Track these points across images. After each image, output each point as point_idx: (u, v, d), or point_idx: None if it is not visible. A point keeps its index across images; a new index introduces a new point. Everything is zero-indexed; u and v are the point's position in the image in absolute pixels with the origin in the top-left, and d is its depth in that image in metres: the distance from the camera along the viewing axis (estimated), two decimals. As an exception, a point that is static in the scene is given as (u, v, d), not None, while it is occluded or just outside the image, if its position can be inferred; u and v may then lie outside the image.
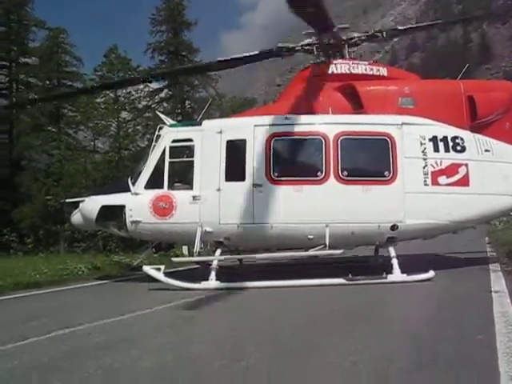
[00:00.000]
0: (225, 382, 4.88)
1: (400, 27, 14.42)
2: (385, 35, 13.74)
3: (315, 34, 13.08)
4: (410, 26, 14.11)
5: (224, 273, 12.25)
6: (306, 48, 13.67)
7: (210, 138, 12.47)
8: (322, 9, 10.82)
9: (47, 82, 35.39)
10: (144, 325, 7.99)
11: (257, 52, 14.10)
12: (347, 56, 13.67)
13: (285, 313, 8.71)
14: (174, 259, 13.44)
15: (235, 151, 12.36)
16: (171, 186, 12.55)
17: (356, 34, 13.93)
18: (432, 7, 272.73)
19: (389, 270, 11.62)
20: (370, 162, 12.52)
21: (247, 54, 14.22)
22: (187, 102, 37.07)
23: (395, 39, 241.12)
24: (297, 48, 13.68)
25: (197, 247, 12.05)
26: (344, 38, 13.50)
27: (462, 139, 12.41)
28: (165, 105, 37.27)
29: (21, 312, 9.85)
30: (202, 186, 12.26)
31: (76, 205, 14.08)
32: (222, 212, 12.03)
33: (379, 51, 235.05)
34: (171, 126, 13.33)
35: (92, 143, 37.79)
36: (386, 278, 11.48)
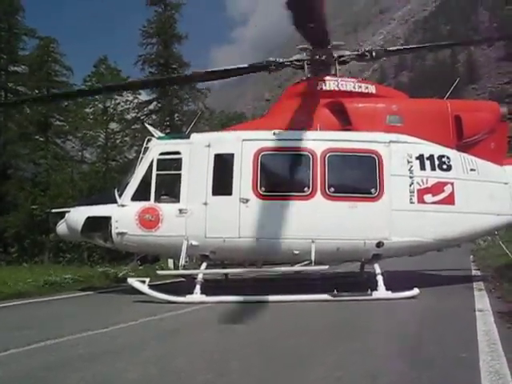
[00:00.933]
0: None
1: (389, 48, 14.57)
2: (374, 55, 13.85)
3: (309, 49, 13.18)
4: (398, 47, 14.28)
5: (209, 286, 12.21)
6: (296, 63, 13.76)
7: (197, 152, 12.47)
8: (324, 25, 10.95)
9: (36, 91, 35.23)
10: (128, 337, 7.93)
11: (246, 65, 14.18)
12: (336, 73, 13.76)
13: (269, 327, 8.70)
14: (160, 272, 13.40)
15: (223, 165, 12.36)
16: (158, 199, 12.51)
17: (347, 52, 14.03)
18: (421, 27, 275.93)
19: (374, 286, 11.64)
20: (357, 178, 12.58)
21: (236, 67, 14.30)
22: (176, 115, 37.09)
23: (383, 58, 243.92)
24: (286, 63, 13.76)
25: (182, 260, 12.00)
26: (335, 55, 13.60)
27: (448, 158, 12.52)
28: (153, 117, 37.26)
29: (2, 322, 9.74)
30: (189, 199, 12.24)
31: (62, 215, 14.01)
32: (209, 226, 12.00)
33: (367, 70, 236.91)
34: (159, 138, 13.32)
35: (80, 153, 37.64)
36: (370, 294, 11.49)
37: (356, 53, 14.04)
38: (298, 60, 13.77)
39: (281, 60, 13.75)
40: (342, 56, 13.87)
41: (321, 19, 10.49)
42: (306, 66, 13.70)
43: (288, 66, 13.99)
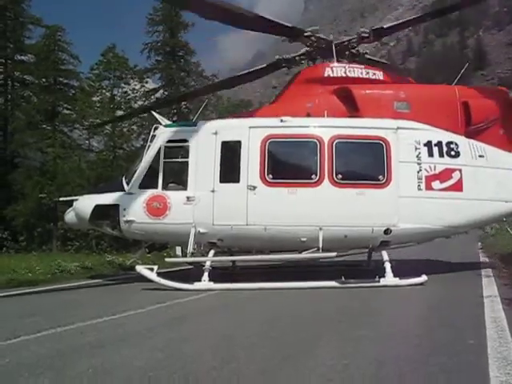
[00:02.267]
0: (216, 383, 4.88)
1: (385, 26, 14.43)
2: (371, 35, 13.81)
3: (289, 41, 14.00)
4: (395, 23, 14.20)
5: (217, 274, 12.25)
6: (303, 57, 14.00)
7: (205, 139, 12.47)
8: (274, 22, 11.23)
9: (43, 80, 35.24)
10: (136, 324, 7.96)
11: (261, 66, 14.55)
12: (335, 59, 13.79)
13: (277, 315, 8.71)
14: (167, 259, 13.43)
15: (230, 152, 12.36)
16: (165, 187, 12.55)
17: (345, 38, 14.16)
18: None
19: (381, 273, 11.64)
20: (365, 165, 12.55)
21: (255, 69, 14.73)
22: (183, 103, 37.02)
23: (391, 43, 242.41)
24: (296, 58, 14.08)
25: (190, 248, 12.04)
26: (334, 42, 13.78)
27: (456, 144, 12.46)
28: (160, 104, 37.18)
29: (13, 310, 9.82)
30: (197, 187, 12.26)
31: (70, 203, 14.07)
32: (216, 213, 12.02)
33: (375, 56, 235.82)
34: (166, 126, 13.32)
35: (87, 142, 37.69)
36: (378, 281, 11.50)
37: (353, 36, 14.06)
38: (303, 54, 13.96)
39: (289, 56, 14.09)
40: (342, 42, 14.00)
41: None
42: (312, 57, 13.92)
43: (297, 60, 14.22)
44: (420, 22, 14.94)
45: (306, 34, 13.62)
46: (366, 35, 13.80)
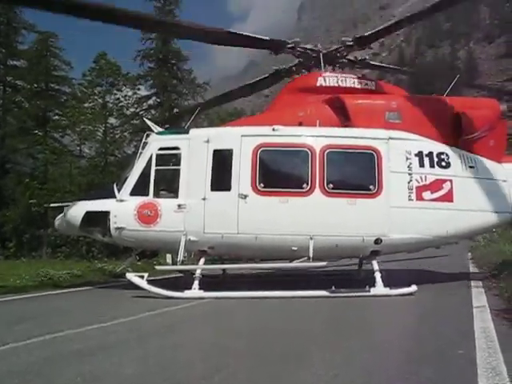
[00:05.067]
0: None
1: (373, 30, 14.47)
2: (354, 43, 13.88)
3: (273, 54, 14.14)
4: (384, 25, 14.18)
5: (207, 282, 12.22)
6: (301, 67, 14.12)
7: (196, 147, 12.47)
8: (249, 38, 11.41)
9: (35, 85, 35.17)
10: (126, 332, 7.93)
11: (263, 77, 14.75)
12: (322, 69, 13.88)
13: (267, 324, 8.70)
14: (158, 267, 13.40)
15: (222, 161, 12.36)
16: (157, 194, 12.52)
17: (334, 46, 14.27)
18: (421, 23, 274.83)
19: (372, 283, 11.66)
20: (356, 175, 12.58)
21: (257, 80, 14.87)
22: (175, 110, 37.00)
23: (383, 54, 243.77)
24: (293, 69, 14.21)
25: (180, 256, 12.02)
26: (323, 51, 13.88)
27: (447, 155, 12.53)
28: (153, 112, 37.19)
29: (1, 317, 9.75)
30: (188, 195, 12.24)
31: (60, 209, 14.01)
32: (207, 221, 12.01)
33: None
34: (158, 133, 13.30)
35: (78, 148, 37.58)
36: (368, 291, 11.51)
37: (340, 46, 14.15)
38: (296, 64, 14.09)
39: (287, 67, 14.24)
40: (332, 51, 14.10)
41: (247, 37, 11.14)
42: (309, 67, 14.04)
43: (296, 70, 14.31)
44: (398, 27, 14.91)
45: (288, 45, 13.71)
46: (351, 43, 13.89)
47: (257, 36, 13.54)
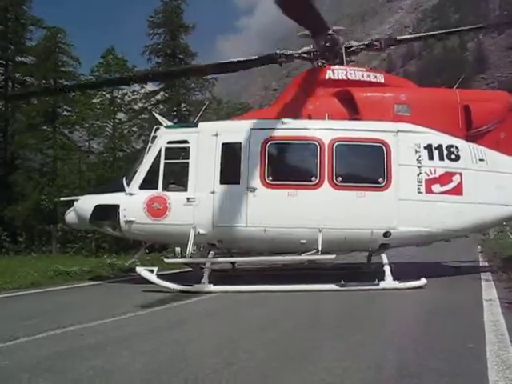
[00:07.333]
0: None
1: (398, 37, 14.48)
2: (382, 44, 13.83)
3: (311, 35, 13.15)
4: (408, 36, 14.17)
5: (216, 275, 12.24)
6: (305, 56, 13.80)
7: (205, 140, 12.47)
8: (313, 10, 10.91)
9: (43, 82, 35.19)
10: (136, 326, 7.97)
11: (256, 57, 14.17)
12: (344, 62, 13.73)
13: (277, 317, 8.72)
14: (167, 260, 13.42)
15: (230, 154, 12.36)
16: (166, 187, 12.53)
17: (354, 43, 14.07)
18: (429, 16, 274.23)
19: (381, 276, 11.64)
20: (365, 168, 12.55)
21: (245, 59, 14.26)
22: (183, 105, 36.95)
23: (392, 47, 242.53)
24: (295, 55, 13.77)
25: (189, 249, 12.02)
26: (343, 44, 13.63)
27: (456, 148, 12.46)
28: (161, 107, 37.12)
29: (13, 312, 9.83)
30: (197, 188, 12.25)
31: (70, 204, 14.06)
32: (216, 214, 12.02)
33: (375, 59, 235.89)
34: (167, 127, 13.31)
35: (87, 143, 37.66)
36: (378, 284, 11.49)
37: (365, 43, 14.04)
38: (306, 52, 13.79)
39: (289, 52, 13.76)
40: (351, 46, 13.88)
41: (306, 3, 10.51)
42: (313, 56, 13.70)
43: (297, 58, 14.00)
44: (431, 37, 15.06)
45: (329, 31, 13.15)
46: (377, 44, 13.84)
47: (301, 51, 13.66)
